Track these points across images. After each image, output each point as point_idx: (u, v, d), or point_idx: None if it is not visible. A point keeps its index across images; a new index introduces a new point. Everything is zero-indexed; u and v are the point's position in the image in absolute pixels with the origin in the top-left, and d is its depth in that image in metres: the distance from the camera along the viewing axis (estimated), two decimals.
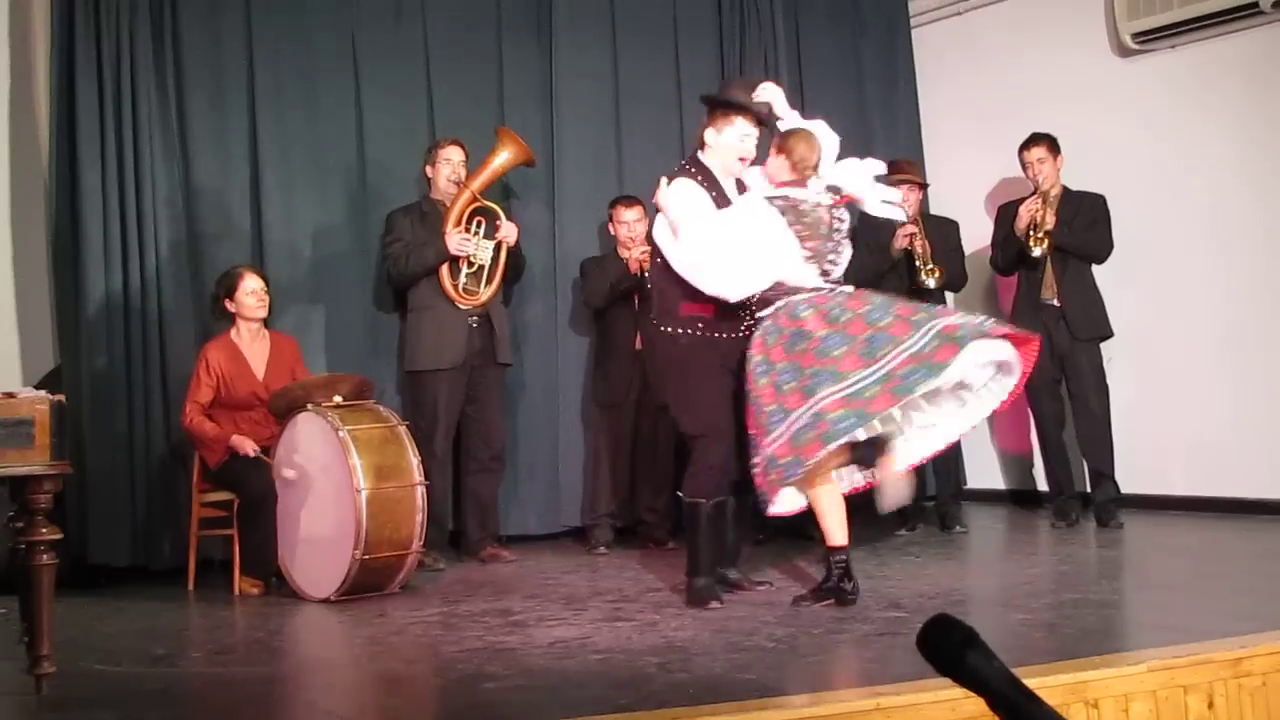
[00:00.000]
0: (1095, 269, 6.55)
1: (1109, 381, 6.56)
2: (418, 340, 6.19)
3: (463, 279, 6.14)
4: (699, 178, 4.82)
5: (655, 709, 3.36)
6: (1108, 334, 6.57)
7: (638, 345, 6.39)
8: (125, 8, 5.98)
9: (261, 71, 6.35)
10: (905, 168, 6.74)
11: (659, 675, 3.78)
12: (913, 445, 4.87)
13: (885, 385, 4.47)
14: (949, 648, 1.75)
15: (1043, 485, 7.07)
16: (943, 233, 6.76)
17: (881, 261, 6.53)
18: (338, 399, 5.43)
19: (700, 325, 4.78)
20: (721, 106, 4.89)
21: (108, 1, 5.94)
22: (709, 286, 4.66)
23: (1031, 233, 6.44)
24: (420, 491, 5.31)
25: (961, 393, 4.79)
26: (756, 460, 4.65)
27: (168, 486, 5.96)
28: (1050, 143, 6.55)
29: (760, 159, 4.99)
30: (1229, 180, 6.61)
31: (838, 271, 4.88)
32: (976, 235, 7.03)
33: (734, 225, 4.70)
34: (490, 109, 6.80)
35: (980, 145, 7.49)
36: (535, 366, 6.79)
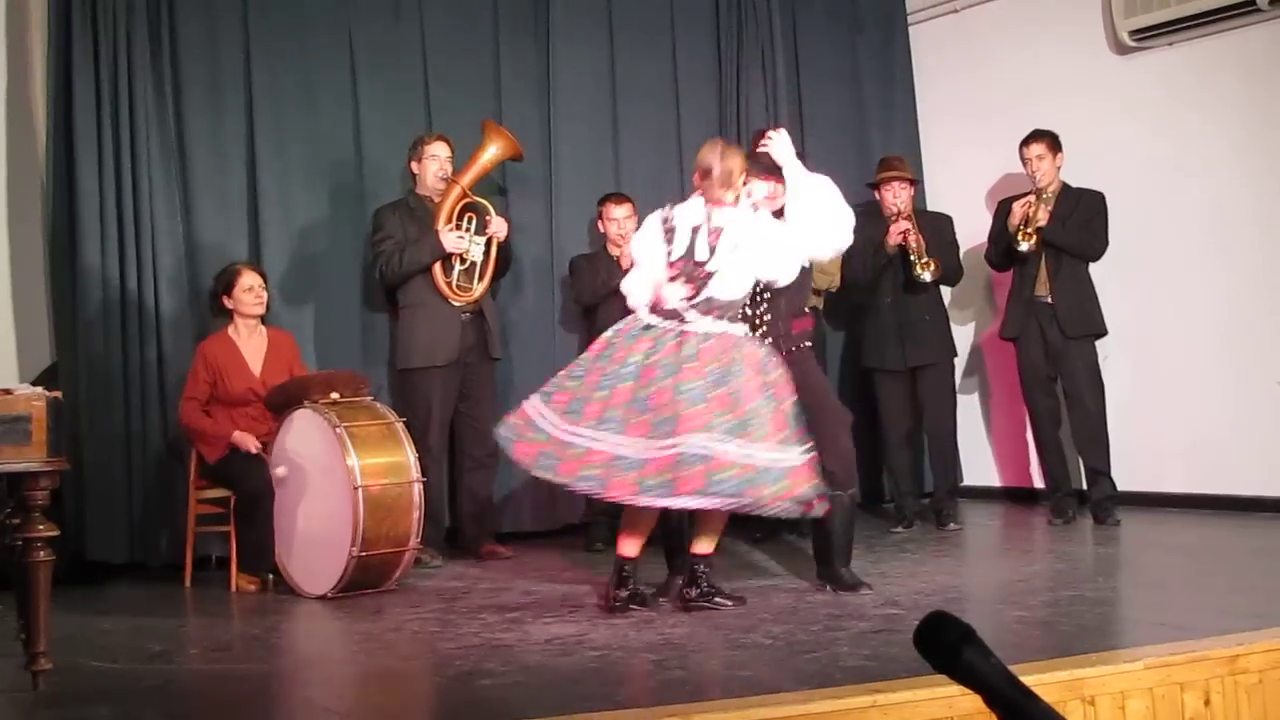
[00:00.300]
0: (1092, 266, 6.55)
1: (1105, 379, 6.55)
2: (411, 338, 6.17)
3: (456, 276, 6.13)
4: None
5: (652, 706, 3.36)
6: (1101, 332, 6.55)
7: None
8: (122, 8, 5.97)
9: (258, 70, 6.34)
10: (894, 164, 6.75)
11: (656, 672, 3.79)
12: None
13: (633, 474, 4.39)
14: (946, 645, 1.74)
15: (1039, 482, 7.07)
16: (936, 227, 6.76)
17: (878, 257, 6.56)
18: (334, 395, 5.43)
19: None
20: None
21: (104, 1, 5.93)
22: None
23: (1022, 228, 6.45)
24: (417, 488, 5.31)
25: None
26: (533, 410, 4.61)
27: (165, 483, 5.96)
28: (1050, 140, 6.55)
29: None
30: (1226, 177, 6.60)
31: (718, 296, 4.62)
32: (974, 232, 7.03)
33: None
34: (487, 106, 6.78)
35: (978, 142, 7.49)
36: (530, 362, 6.75)
